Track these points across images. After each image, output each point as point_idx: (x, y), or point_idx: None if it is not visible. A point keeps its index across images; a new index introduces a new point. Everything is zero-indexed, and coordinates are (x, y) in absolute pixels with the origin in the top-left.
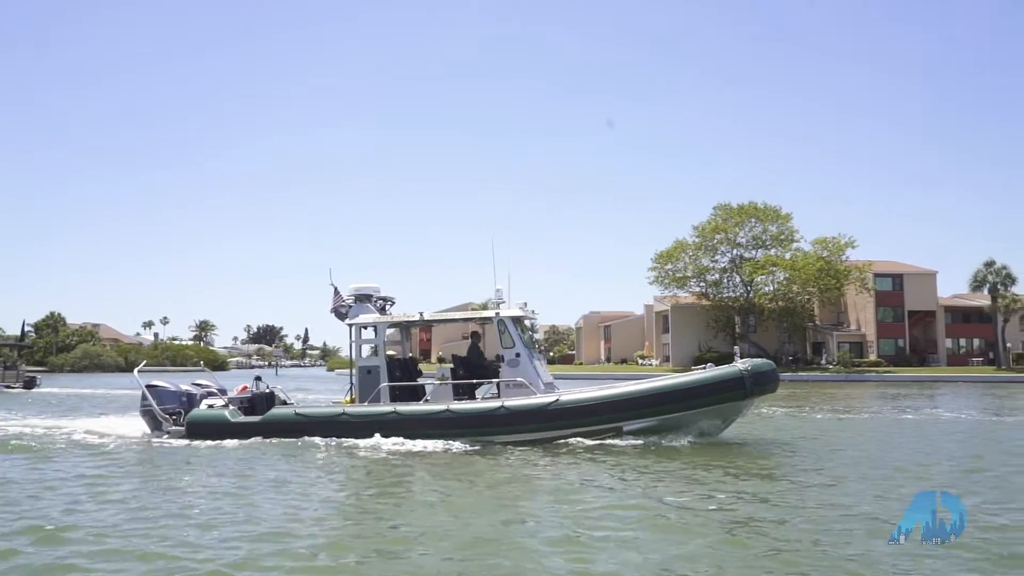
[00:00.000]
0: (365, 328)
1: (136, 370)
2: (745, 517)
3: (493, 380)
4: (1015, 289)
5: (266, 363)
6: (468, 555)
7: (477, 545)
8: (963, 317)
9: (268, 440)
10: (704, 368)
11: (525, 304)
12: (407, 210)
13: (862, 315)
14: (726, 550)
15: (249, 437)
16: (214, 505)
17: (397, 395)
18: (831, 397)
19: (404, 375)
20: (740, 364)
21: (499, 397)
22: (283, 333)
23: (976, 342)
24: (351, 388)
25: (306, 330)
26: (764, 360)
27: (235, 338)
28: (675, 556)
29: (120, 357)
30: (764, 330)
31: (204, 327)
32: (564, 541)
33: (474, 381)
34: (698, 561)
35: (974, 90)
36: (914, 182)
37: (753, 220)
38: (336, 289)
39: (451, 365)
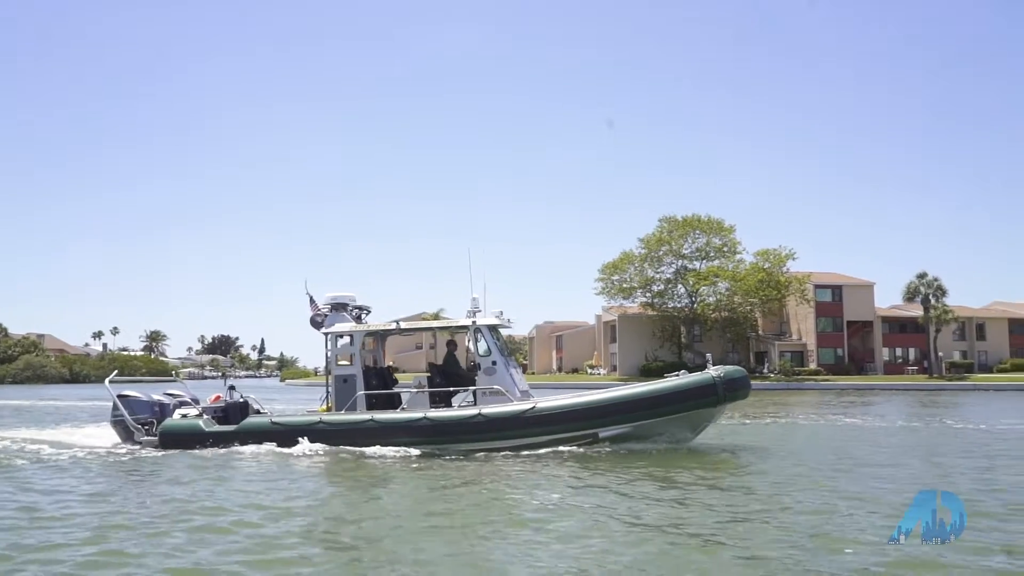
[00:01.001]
0: (341, 337)
1: (107, 380)
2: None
3: (470, 388)
4: (947, 300)
5: (219, 374)
6: (436, 561)
7: (447, 552)
8: (900, 327)
9: (245, 449)
10: (677, 375)
11: (501, 313)
12: (373, 220)
13: (803, 325)
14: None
15: (224, 447)
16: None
17: (373, 403)
18: (752, 404)
19: (380, 384)
20: (712, 371)
21: (476, 405)
22: (239, 343)
23: (912, 351)
24: (327, 396)
25: (262, 340)
26: (736, 367)
27: (189, 348)
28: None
29: (65, 368)
30: (709, 340)
31: (155, 337)
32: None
33: (451, 389)
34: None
35: (926, 102)
36: (859, 193)
37: (697, 232)
38: (312, 298)
39: (427, 374)
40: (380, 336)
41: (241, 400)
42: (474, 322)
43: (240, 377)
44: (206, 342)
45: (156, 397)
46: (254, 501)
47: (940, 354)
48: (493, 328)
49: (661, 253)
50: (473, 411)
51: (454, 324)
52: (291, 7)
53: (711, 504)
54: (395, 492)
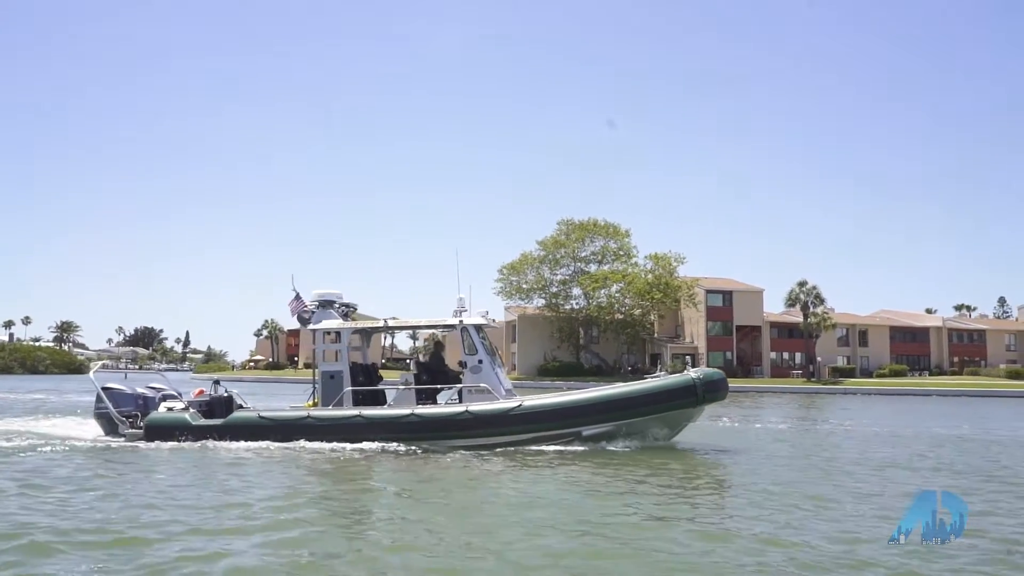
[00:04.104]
0: (328, 334)
1: (92, 372)
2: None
3: (456, 386)
4: (830, 307)
5: (136, 366)
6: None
7: (431, 548)
8: (787, 332)
9: (233, 443)
10: (657, 376)
11: (487, 312)
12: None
13: (695, 328)
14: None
15: (212, 440)
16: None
17: (360, 400)
18: None
19: (366, 381)
20: (692, 372)
21: (462, 403)
22: (163, 336)
23: (798, 356)
24: (314, 392)
25: (187, 332)
26: (715, 370)
27: (109, 340)
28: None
29: None
30: (606, 341)
31: (66, 328)
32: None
33: (438, 386)
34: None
35: (819, 110)
36: (765, 204)
37: (594, 236)
38: (298, 294)
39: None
40: (366, 334)
41: (226, 395)
42: (461, 321)
43: (158, 370)
44: (127, 334)
45: (140, 390)
46: (240, 498)
47: (820, 359)
48: (479, 328)
49: (559, 256)
50: (460, 408)
51: (442, 323)
52: (267, 4)
53: (693, 499)
54: (382, 487)
